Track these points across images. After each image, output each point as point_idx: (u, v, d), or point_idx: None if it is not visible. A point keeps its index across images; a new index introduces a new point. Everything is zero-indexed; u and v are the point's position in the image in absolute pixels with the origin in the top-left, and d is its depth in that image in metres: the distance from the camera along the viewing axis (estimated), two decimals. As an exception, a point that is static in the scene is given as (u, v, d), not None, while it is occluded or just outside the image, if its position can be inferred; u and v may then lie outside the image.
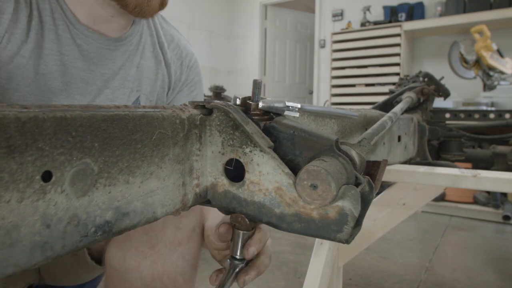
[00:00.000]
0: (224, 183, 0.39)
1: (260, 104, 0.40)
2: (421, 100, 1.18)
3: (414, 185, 1.15)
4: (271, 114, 0.41)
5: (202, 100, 0.96)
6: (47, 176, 0.25)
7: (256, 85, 0.40)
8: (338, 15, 5.15)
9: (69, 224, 0.27)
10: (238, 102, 0.40)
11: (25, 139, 0.23)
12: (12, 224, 0.23)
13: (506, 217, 3.06)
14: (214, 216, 0.69)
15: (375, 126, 0.61)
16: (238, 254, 0.51)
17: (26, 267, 0.25)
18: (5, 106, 0.23)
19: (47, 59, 0.71)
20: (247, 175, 0.38)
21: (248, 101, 0.40)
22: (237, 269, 0.51)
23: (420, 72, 1.42)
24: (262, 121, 0.40)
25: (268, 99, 0.40)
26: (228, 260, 0.52)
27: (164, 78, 0.88)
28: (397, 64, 4.34)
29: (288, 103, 0.41)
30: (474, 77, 2.63)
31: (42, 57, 0.71)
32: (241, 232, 0.50)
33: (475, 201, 3.32)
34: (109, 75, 0.78)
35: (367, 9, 4.70)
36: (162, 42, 0.89)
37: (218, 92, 4.65)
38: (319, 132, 0.38)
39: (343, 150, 0.37)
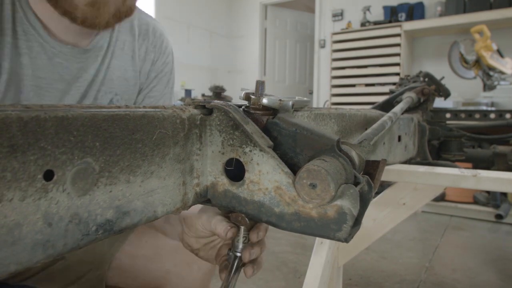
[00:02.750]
0: (224, 182, 0.39)
1: (264, 101, 0.40)
2: (422, 100, 1.18)
3: (414, 185, 1.16)
4: (273, 110, 0.41)
5: (172, 88, 0.95)
6: (48, 175, 0.25)
7: (259, 84, 0.41)
8: (338, 15, 5.15)
9: (71, 222, 0.27)
10: (242, 95, 0.41)
11: (27, 138, 0.24)
12: (14, 222, 0.23)
13: (498, 216, 3.06)
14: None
15: (375, 126, 0.61)
16: (240, 249, 0.51)
17: (27, 265, 0.25)
18: (7, 106, 0.24)
19: (22, 86, 0.68)
20: (247, 175, 0.38)
21: (251, 96, 0.41)
22: (239, 263, 0.52)
23: (420, 72, 1.42)
24: (265, 116, 0.40)
25: (271, 96, 0.41)
26: (230, 253, 0.52)
27: (135, 74, 0.86)
28: (397, 64, 4.34)
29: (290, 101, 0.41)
30: (474, 77, 2.63)
31: (19, 86, 0.68)
32: (242, 227, 0.50)
33: (475, 201, 3.32)
34: (85, 86, 0.77)
35: (367, 9, 4.70)
36: (138, 34, 0.86)
37: (218, 92, 4.64)
38: (321, 132, 0.38)
39: (343, 150, 0.37)
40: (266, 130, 0.40)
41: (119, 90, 0.82)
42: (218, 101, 0.39)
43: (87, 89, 0.77)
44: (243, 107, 0.41)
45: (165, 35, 0.92)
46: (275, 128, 0.39)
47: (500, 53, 2.47)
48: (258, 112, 0.40)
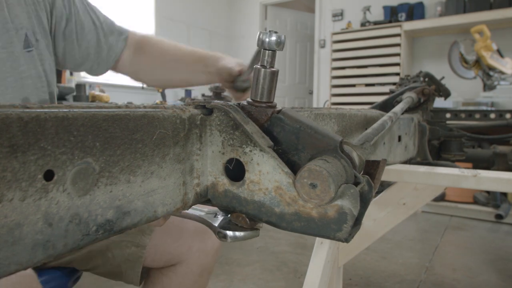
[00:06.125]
0: (224, 182, 0.39)
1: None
2: (422, 100, 1.18)
3: (415, 185, 1.16)
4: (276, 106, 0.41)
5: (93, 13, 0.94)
6: (49, 175, 0.25)
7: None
8: (338, 15, 5.15)
9: (71, 222, 0.27)
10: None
11: (28, 138, 0.24)
12: (14, 222, 0.23)
13: (498, 216, 3.06)
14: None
15: (375, 125, 0.61)
16: None
17: (28, 266, 0.25)
18: (7, 106, 0.24)
19: None
20: (247, 175, 0.38)
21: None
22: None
23: (420, 72, 1.42)
24: (270, 109, 0.40)
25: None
26: None
27: (39, 6, 0.83)
28: (397, 64, 4.34)
29: None
30: (474, 77, 2.63)
31: None
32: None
33: (475, 201, 3.32)
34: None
35: (367, 9, 4.70)
36: None
37: (218, 92, 4.65)
38: (325, 131, 0.38)
39: (345, 152, 0.37)
40: (270, 124, 0.40)
41: (27, 25, 0.80)
42: (218, 101, 0.39)
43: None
44: (246, 101, 0.41)
45: None
46: (279, 123, 0.39)
47: (500, 53, 2.47)
48: (262, 105, 0.40)
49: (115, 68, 1.02)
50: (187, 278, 0.96)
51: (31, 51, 0.81)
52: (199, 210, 0.47)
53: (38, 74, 0.82)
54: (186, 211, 0.41)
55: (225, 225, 0.42)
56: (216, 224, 0.43)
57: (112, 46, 0.97)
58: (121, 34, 0.99)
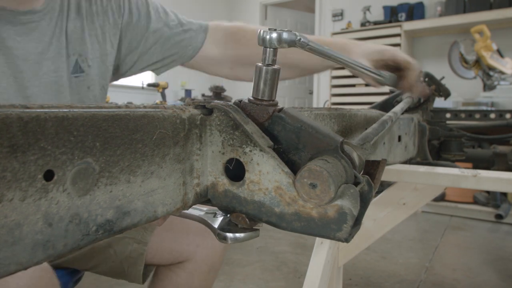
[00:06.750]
0: (224, 182, 0.39)
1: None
2: (422, 100, 1.18)
3: (415, 185, 1.16)
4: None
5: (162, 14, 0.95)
6: (49, 175, 0.25)
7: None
8: (338, 15, 5.15)
9: (71, 222, 0.27)
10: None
11: (28, 138, 0.24)
12: (14, 222, 0.23)
13: (498, 216, 3.06)
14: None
15: (375, 125, 0.61)
16: None
17: (28, 266, 0.25)
18: (7, 106, 0.24)
19: None
20: (247, 175, 0.38)
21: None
22: None
23: (420, 72, 1.42)
24: (271, 107, 0.40)
25: None
26: None
27: (103, 29, 0.86)
28: (397, 64, 4.33)
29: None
30: (474, 77, 2.63)
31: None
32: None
33: (475, 201, 3.32)
34: (41, 48, 0.77)
35: (367, 9, 4.70)
36: None
37: (218, 92, 4.64)
38: (326, 131, 0.38)
39: (346, 152, 0.37)
40: (271, 123, 0.40)
41: (81, 51, 0.83)
42: (218, 101, 0.39)
43: (44, 50, 0.78)
44: (247, 99, 0.41)
45: None
46: (280, 122, 0.39)
47: (500, 53, 2.47)
48: (264, 103, 0.40)
49: (203, 67, 1.00)
50: (195, 275, 0.96)
51: (79, 76, 0.83)
52: (198, 210, 0.47)
53: (81, 101, 0.84)
54: (185, 211, 0.41)
55: (225, 226, 0.42)
56: (215, 225, 0.43)
57: (191, 39, 0.95)
58: (201, 27, 0.97)
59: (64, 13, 0.81)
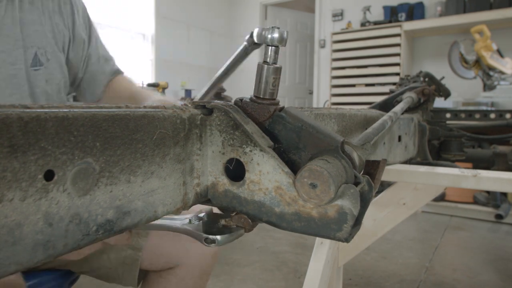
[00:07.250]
0: (224, 182, 0.39)
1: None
2: (422, 100, 1.18)
3: (415, 185, 1.16)
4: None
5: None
6: (49, 175, 0.25)
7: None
8: (338, 15, 5.15)
9: (71, 222, 0.27)
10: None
11: (28, 138, 0.24)
12: (15, 222, 0.23)
13: (498, 216, 3.06)
14: None
15: (375, 125, 0.61)
16: None
17: (28, 266, 0.25)
18: (7, 106, 0.24)
19: None
20: (247, 175, 0.38)
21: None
22: None
23: (420, 72, 1.42)
24: (272, 106, 0.40)
25: None
26: None
27: (58, 28, 0.87)
28: (397, 64, 4.34)
29: None
30: (474, 77, 2.63)
31: None
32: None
33: (475, 201, 3.32)
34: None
35: (367, 9, 4.70)
36: None
37: (218, 92, 4.64)
38: (326, 131, 0.38)
39: (346, 152, 0.37)
40: (271, 121, 0.39)
41: (39, 44, 0.83)
42: (218, 101, 0.39)
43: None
44: (248, 98, 0.41)
45: None
46: (281, 121, 0.39)
47: (500, 53, 2.47)
48: (265, 102, 0.40)
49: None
50: (186, 280, 0.96)
51: (38, 69, 0.83)
52: (169, 220, 0.46)
53: (44, 92, 0.85)
54: (157, 222, 0.39)
55: (208, 230, 0.42)
56: (201, 231, 0.42)
57: (104, 72, 1.03)
58: (114, 65, 1.05)
59: (15, 2, 0.79)
